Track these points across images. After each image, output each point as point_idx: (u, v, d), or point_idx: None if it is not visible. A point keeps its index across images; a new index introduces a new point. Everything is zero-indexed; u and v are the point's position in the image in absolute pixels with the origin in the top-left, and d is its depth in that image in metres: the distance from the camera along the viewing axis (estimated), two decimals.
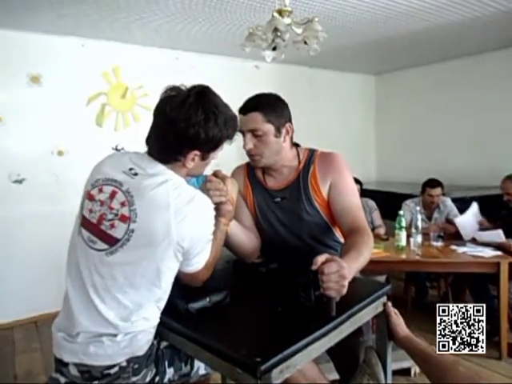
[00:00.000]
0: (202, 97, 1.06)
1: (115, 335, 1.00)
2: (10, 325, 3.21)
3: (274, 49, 2.17)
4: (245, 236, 1.41)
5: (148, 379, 1.05)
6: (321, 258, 1.00)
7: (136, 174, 1.04)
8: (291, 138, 1.46)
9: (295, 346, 0.88)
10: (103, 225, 1.01)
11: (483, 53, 4.43)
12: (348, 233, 1.32)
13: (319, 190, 1.40)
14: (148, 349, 1.04)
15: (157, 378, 1.08)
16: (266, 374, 0.81)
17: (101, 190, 1.05)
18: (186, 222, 0.98)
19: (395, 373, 2.27)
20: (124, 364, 1.00)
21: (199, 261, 1.07)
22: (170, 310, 1.06)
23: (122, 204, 1.00)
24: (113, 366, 1.00)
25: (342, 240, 1.50)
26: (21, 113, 3.30)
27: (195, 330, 0.99)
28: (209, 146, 1.08)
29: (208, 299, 1.06)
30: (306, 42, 2.11)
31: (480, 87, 4.55)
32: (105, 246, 1.00)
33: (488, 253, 2.52)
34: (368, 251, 1.19)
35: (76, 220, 1.09)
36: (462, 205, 3.44)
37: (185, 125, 1.02)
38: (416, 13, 3.14)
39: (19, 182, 3.31)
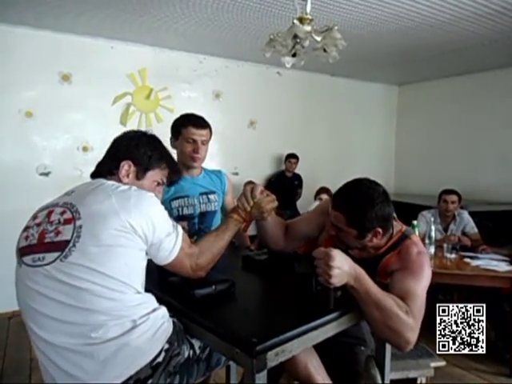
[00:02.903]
0: (150, 134, 1.23)
1: (135, 326, 0.95)
2: None
3: (294, 55, 2.22)
4: (271, 232, 1.46)
5: (187, 353, 1.05)
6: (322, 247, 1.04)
7: (73, 192, 1.07)
8: (384, 235, 1.28)
9: (291, 332, 0.93)
10: (47, 238, 0.98)
11: (509, 67, 4.37)
12: None
13: (385, 273, 1.28)
14: (173, 323, 1.05)
15: (191, 352, 1.07)
16: (261, 355, 0.87)
17: (35, 217, 1.05)
18: (130, 205, 0.98)
19: (400, 383, 2.26)
20: (167, 346, 0.99)
21: (167, 249, 1.05)
22: (177, 295, 1.12)
23: (62, 213, 0.99)
24: (158, 355, 0.97)
25: None
26: (50, 109, 3.47)
27: (199, 314, 1.05)
28: (140, 161, 1.14)
29: (214, 287, 1.11)
30: (325, 50, 2.15)
31: (505, 101, 4.49)
32: (55, 255, 0.94)
33: (503, 267, 2.48)
34: (396, 309, 1.05)
35: (16, 264, 1.04)
36: (481, 219, 3.39)
37: (121, 138, 1.18)
38: (441, 24, 3.14)
39: (45, 174, 3.46)
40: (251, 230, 1.60)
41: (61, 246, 0.95)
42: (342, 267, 1.02)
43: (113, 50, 3.72)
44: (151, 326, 0.98)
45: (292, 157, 4.67)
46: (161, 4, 2.82)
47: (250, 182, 1.37)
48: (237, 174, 4.52)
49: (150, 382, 0.95)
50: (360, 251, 1.34)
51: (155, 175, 1.17)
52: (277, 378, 1.38)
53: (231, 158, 4.51)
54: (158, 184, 1.19)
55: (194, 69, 4.18)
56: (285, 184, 4.62)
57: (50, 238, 0.97)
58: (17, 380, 2.39)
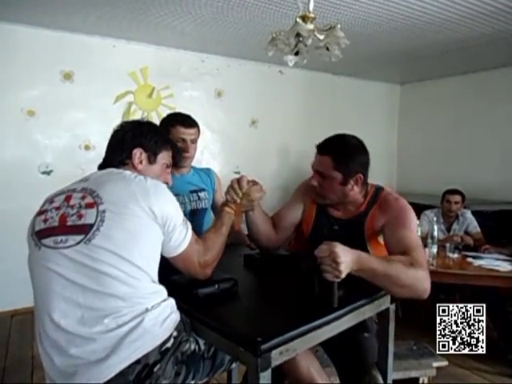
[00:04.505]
0: (147, 121, 1.30)
1: (146, 311, 0.96)
2: (30, 309, 3.33)
3: (297, 54, 2.21)
4: (262, 227, 1.49)
5: (193, 347, 1.05)
6: (322, 245, 1.05)
7: (88, 179, 1.10)
8: (363, 184, 1.39)
9: (295, 331, 0.94)
10: (69, 221, 0.99)
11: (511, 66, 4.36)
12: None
13: (373, 227, 1.36)
14: (179, 314, 1.06)
15: (197, 348, 1.06)
16: (265, 354, 0.87)
17: (52, 201, 1.05)
18: (150, 193, 1.02)
19: (402, 383, 2.26)
20: (175, 334, 1.01)
21: (178, 238, 1.07)
22: (180, 294, 1.12)
23: (83, 197, 1.01)
24: (167, 340, 0.98)
25: None
26: (52, 107, 3.46)
27: (203, 313, 1.05)
28: (148, 147, 1.19)
29: (217, 286, 1.11)
30: (328, 48, 2.14)
31: (507, 100, 4.47)
32: (79, 238, 0.96)
33: (505, 267, 2.48)
34: (403, 269, 1.10)
35: (30, 248, 1.04)
36: (484, 219, 3.38)
37: (122, 129, 1.23)
38: (443, 23, 3.13)
39: (47, 173, 3.46)
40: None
41: (85, 230, 0.96)
42: (346, 259, 1.03)
43: (115, 49, 3.71)
44: (161, 312, 1.00)
45: None
46: (163, 3, 2.81)
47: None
48: (238, 172, 4.51)
49: (158, 366, 0.95)
50: (343, 209, 1.42)
51: (164, 158, 1.24)
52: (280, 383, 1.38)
53: (233, 157, 4.50)
54: (167, 166, 1.27)
55: (195, 67, 4.17)
56: None
57: (72, 221, 0.99)
58: (19, 378, 2.39)
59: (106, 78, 3.66)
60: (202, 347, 1.07)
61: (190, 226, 1.12)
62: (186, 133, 1.73)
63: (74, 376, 0.92)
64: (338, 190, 1.35)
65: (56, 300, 0.96)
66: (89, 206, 0.99)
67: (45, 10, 2.97)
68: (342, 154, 1.33)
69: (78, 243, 0.96)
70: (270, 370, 0.88)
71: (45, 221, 1.02)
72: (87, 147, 3.61)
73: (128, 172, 1.10)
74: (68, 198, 1.03)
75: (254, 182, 1.39)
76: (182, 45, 3.91)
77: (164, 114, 3.85)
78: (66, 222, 0.99)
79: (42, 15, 3.08)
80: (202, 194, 1.84)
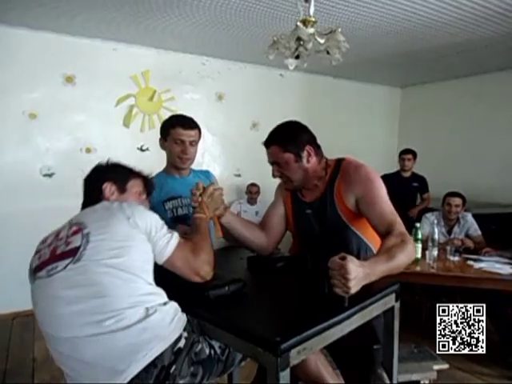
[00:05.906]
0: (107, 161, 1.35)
1: (148, 315, 0.98)
2: (31, 312, 3.33)
3: (297, 57, 2.22)
4: (246, 232, 1.55)
5: (207, 351, 1.06)
6: (336, 257, 1.05)
7: (75, 217, 1.18)
8: (317, 155, 1.48)
9: (312, 329, 0.95)
10: (58, 250, 1.05)
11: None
12: (384, 238, 1.29)
13: (343, 202, 1.42)
14: (185, 316, 1.08)
15: (213, 352, 1.08)
16: (285, 353, 0.88)
17: (45, 241, 1.14)
18: (126, 209, 1.10)
19: None
20: (186, 334, 1.03)
21: (162, 244, 1.11)
22: (191, 297, 1.13)
23: (69, 228, 1.10)
24: (178, 340, 1.00)
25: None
26: (54, 110, 3.48)
27: (217, 315, 1.06)
28: (115, 178, 1.26)
29: (227, 288, 1.12)
30: (328, 52, 2.16)
31: (507, 104, 4.48)
32: (68, 260, 1.02)
33: (506, 270, 2.47)
34: (403, 254, 1.17)
35: (31, 286, 1.10)
36: (485, 222, 3.38)
37: (91, 173, 1.30)
38: (443, 27, 3.14)
39: (49, 175, 3.48)
40: None
41: (72, 252, 1.03)
42: (358, 275, 1.03)
43: (116, 52, 3.73)
44: (165, 315, 1.02)
45: (405, 152, 3.97)
46: (164, 6, 2.83)
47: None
48: (239, 175, 4.52)
49: (174, 367, 0.98)
50: (312, 190, 1.48)
51: (134, 185, 1.30)
52: None
53: (234, 160, 4.51)
54: (141, 193, 1.31)
55: (196, 71, 4.19)
56: (400, 186, 3.79)
57: (61, 249, 1.05)
58: (20, 380, 2.39)
59: (107, 81, 3.68)
60: (218, 351, 1.09)
61: (175, 234, 1.16)
62: (185, 134, 1.73)
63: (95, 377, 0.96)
64: (296, 167, 1.42)
65: (61, 320, 0.99)
66: (74, 233, 1.07)
67: (46, 14, 2.99)
68: (284, 136, 1.43)
69: (67, 265, 1.01)
70: (288, 370, 0.89)
71: (39, 258, 1.09)
72: (88, 150, 3.62)
73: (106, 202, 1.19)
74: (57, 234, 1.12)
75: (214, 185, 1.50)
76: (182, 48, 3.93)
77: (165, 117, 3.90)
78: (55, 252, 1.06)
79: (44, 18, 3.10)
80: None
